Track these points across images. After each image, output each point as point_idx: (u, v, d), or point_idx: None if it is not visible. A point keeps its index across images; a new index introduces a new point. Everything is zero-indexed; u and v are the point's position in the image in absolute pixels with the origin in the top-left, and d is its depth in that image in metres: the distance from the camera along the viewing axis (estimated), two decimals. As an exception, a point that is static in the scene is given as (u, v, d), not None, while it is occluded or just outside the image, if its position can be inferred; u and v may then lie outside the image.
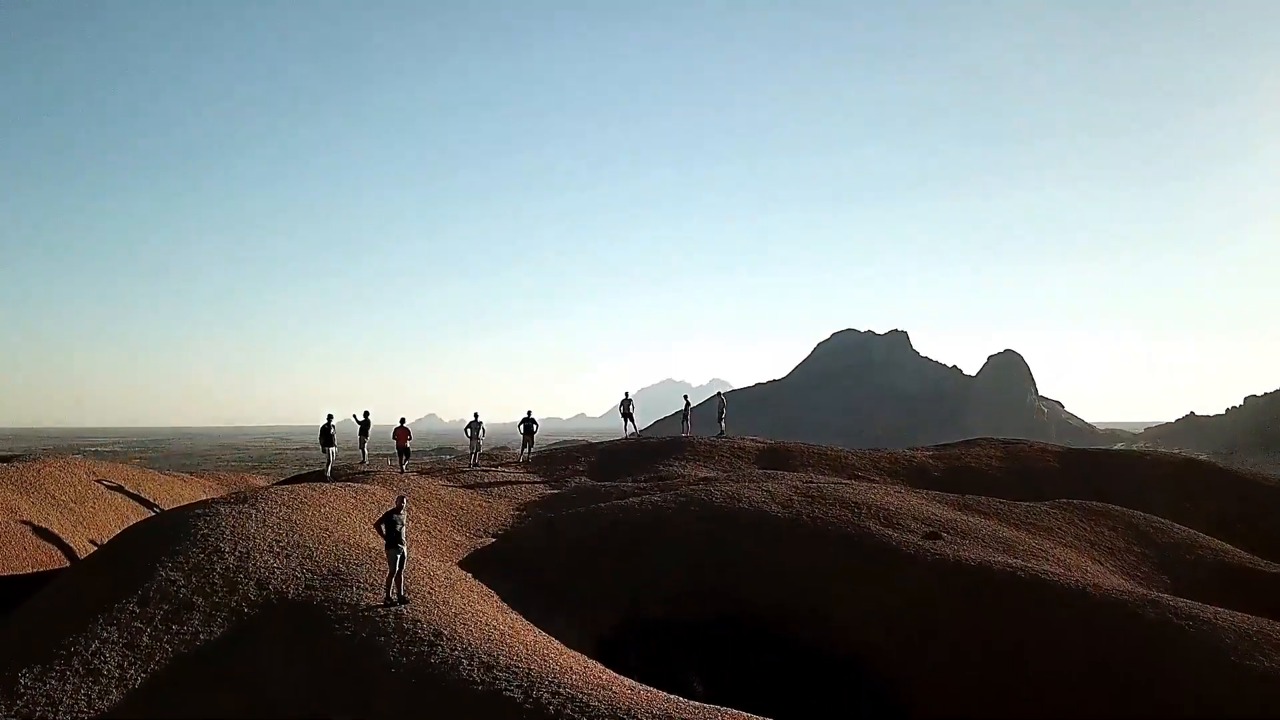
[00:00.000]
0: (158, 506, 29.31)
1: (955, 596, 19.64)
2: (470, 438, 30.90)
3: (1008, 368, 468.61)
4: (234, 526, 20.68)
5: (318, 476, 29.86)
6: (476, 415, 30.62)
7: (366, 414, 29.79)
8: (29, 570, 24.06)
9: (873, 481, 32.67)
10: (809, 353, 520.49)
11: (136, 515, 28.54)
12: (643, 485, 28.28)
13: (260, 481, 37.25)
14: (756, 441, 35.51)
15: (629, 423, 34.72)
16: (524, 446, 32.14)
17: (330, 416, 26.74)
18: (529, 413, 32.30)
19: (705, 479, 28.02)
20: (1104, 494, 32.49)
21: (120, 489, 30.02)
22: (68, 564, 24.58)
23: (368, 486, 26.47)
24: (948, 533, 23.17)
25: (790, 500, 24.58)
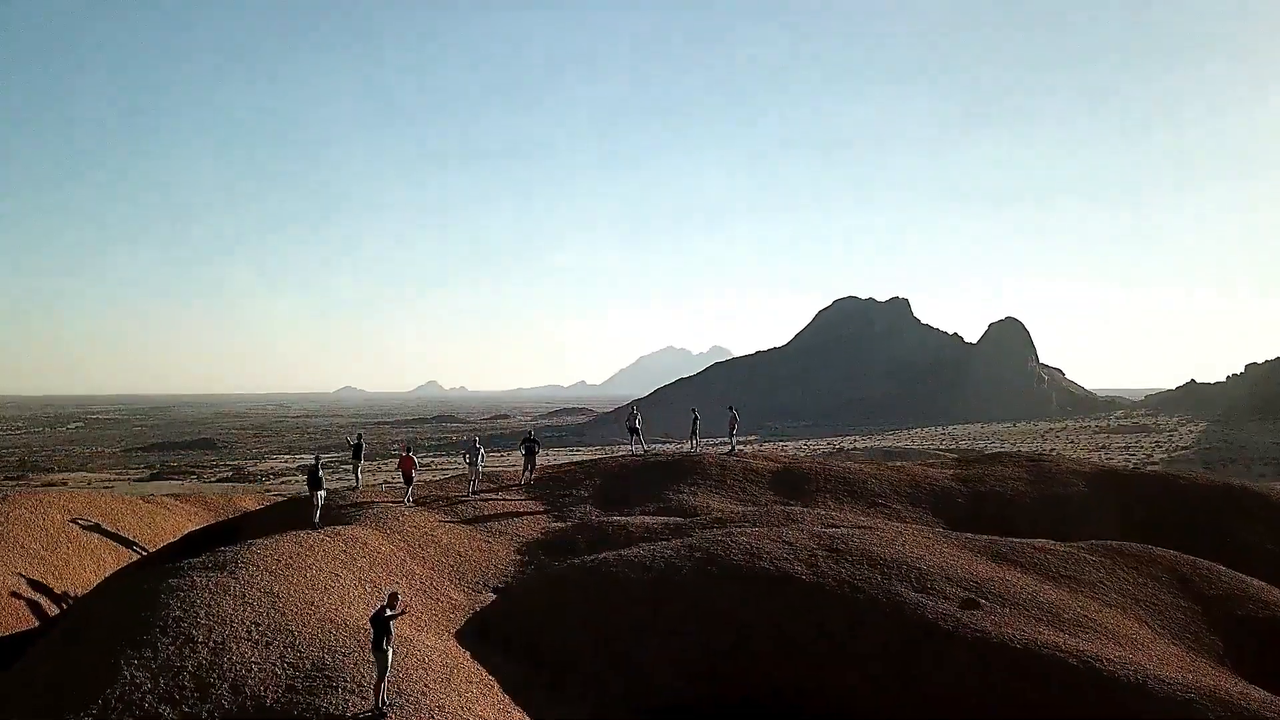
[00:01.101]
0: (139, 546, 27.59)
1: (998, 687, 17.92)
2: (469, 464, 29.02)
3: (1009, 335, 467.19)
4: (209, 606, 18.84)
5: (307, 506, 28.01)
6: (477, 440, 28.75)
7: (360, 436, 28.17)
8: (-6, 633, 22.33)
9: (893, 509, 30.81)
10: (810, 320, 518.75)
11: (115, 559, 26.79)
12: (652, 523, 26.39)
13: (250, 504, 35.40)
14: (769, 462, 33.66)
15: (635, 437, 32.89)
16: (526, 468, 30.37)
17: (317, 458, 24.83)
18: (530, 432, 30.60)
19: (720, 520, 26.13)
20: (1136, 520, 30.60)
21: (98, 528, 28.26)
22: (37, 624, 22.84)
23: (359, 532, 24.64)
24: (986, 598, 21.40)
25: (814, 556, 22.78)
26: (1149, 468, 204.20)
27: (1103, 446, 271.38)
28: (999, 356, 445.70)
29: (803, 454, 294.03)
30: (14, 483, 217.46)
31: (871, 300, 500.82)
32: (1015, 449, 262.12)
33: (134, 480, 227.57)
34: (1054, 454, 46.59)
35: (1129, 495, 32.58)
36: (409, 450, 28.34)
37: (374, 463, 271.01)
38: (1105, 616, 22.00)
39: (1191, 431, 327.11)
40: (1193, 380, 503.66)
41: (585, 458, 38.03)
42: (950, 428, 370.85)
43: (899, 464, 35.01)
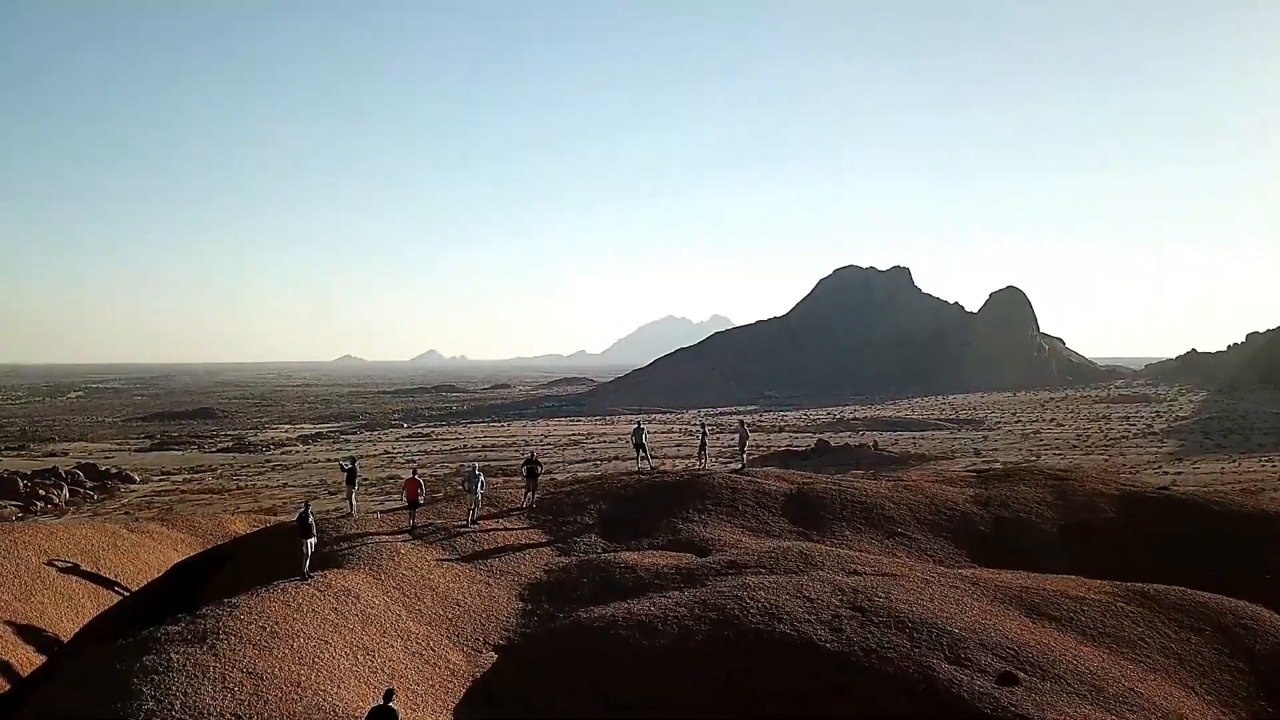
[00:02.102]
0: (120, 587, 26.10)
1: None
2: (466, 491, 27.39)
3: (1010, 304, 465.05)
4: (186, 694, 17.32)
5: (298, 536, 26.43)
6: (475, 467, 27.22)
7: (353, 460, 26.58)
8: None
9: (913, 540, 29.23)
10: (810, 289, 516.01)
11: (94, 603, 25.27)
12: (662, 564, 24.80)
13: (239, 526, 33.82)
14: (782, 483, 31.93)
15: (641, 453, 31.25)
16: (528, 490, 28.84)
17: (306, 504, 23.22)
18: (532, 453, 29.06)
19: (734, 563, 24.56)
20: (1168, 550, 29.07)
21: (76, 569, 26.75)
22: (8, 687, 21.39)
23: (351, 580, 23.05)
24: (1025, 668, 19.93)
25: (837, 616, 21.26)
26: (1150, 432, 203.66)
27: (1102, 416, 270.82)
28: (1000, 326, 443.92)
29: (802, 423, 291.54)
30: (16, 453, 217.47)
31: (872, 269, 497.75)
32: (1015, 420, 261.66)
33: (135, 450, 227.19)
34: (1077, 470, 44.63)
35: (1159, 522, 31.02)
36: (415, 472, 26.77)
37: (375, 433, 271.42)
38: (1151, 687, 20.55)
39: (1192, 401, 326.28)
40: (1193, 350, 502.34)
41: (589, 474, 35.75)
42: (950, 397, 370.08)
43: (915, 482, 33.28)
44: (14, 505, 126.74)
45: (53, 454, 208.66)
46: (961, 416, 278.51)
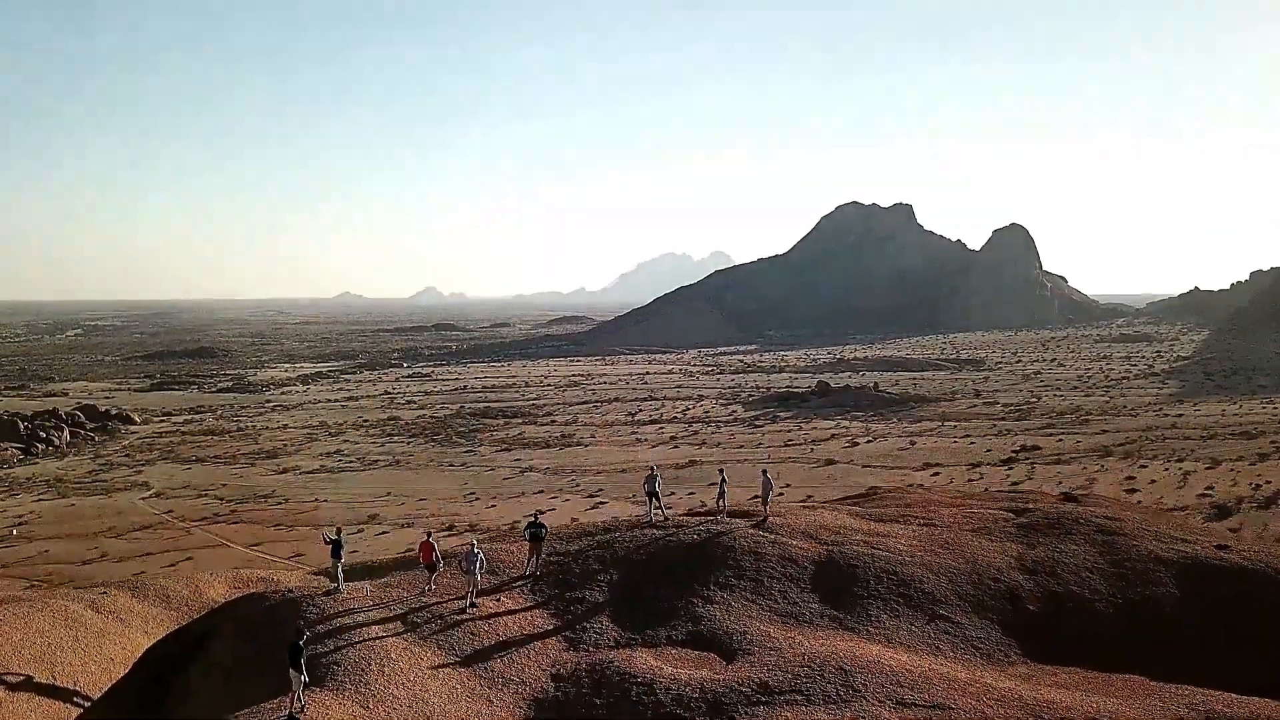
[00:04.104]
0: (80, 696, 23.02)
1: None
2: (465, 572, 24.19)
3: (1013, 242, 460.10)
4: None
5: (286, 607, 23.64)
6: (474, 545, 24.29)
7: (339, 531, 24.20)
8: None
9: (957, 625, 23.60)
10: (812, 226, 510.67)
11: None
12: (683, 684, 20.93)
13: (218, 593, 30.44)
14: (808, 543, 27.33)
15: (654, 502, 28.27)
16: (531, 556, 25.83)
17: (300, 632, 20.45)
18: (536, 515, 25.91)
19: (765, 687, 20.62)
20: (1242, 639, 23.90)
21: (29, 682, 23.24)
22: None
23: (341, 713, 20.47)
24: None
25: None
26: (1151, 373, 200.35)
27: (1104, 356, 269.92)
28: (1002, 264, 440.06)
29: (802, 363, 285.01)
30: (16, 393, 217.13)
31: (875, 206, 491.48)
32: (1016, 359, 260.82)
33: (134, 390, 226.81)
34: (1125, 515, 38.60)
35: (1224, 598, 24.83)
36: (429, 535, 24.50)
37: (375, 373, 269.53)
38: None
39: (1193, 340, 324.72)
40: (1196, 287, 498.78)
41: (600, 522, 31.32)
42: (952, 336, 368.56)
43: (949, 521, 29.09)
44: (15, 448, 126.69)
45: (52, 394, 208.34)
46: (962, 356, 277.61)
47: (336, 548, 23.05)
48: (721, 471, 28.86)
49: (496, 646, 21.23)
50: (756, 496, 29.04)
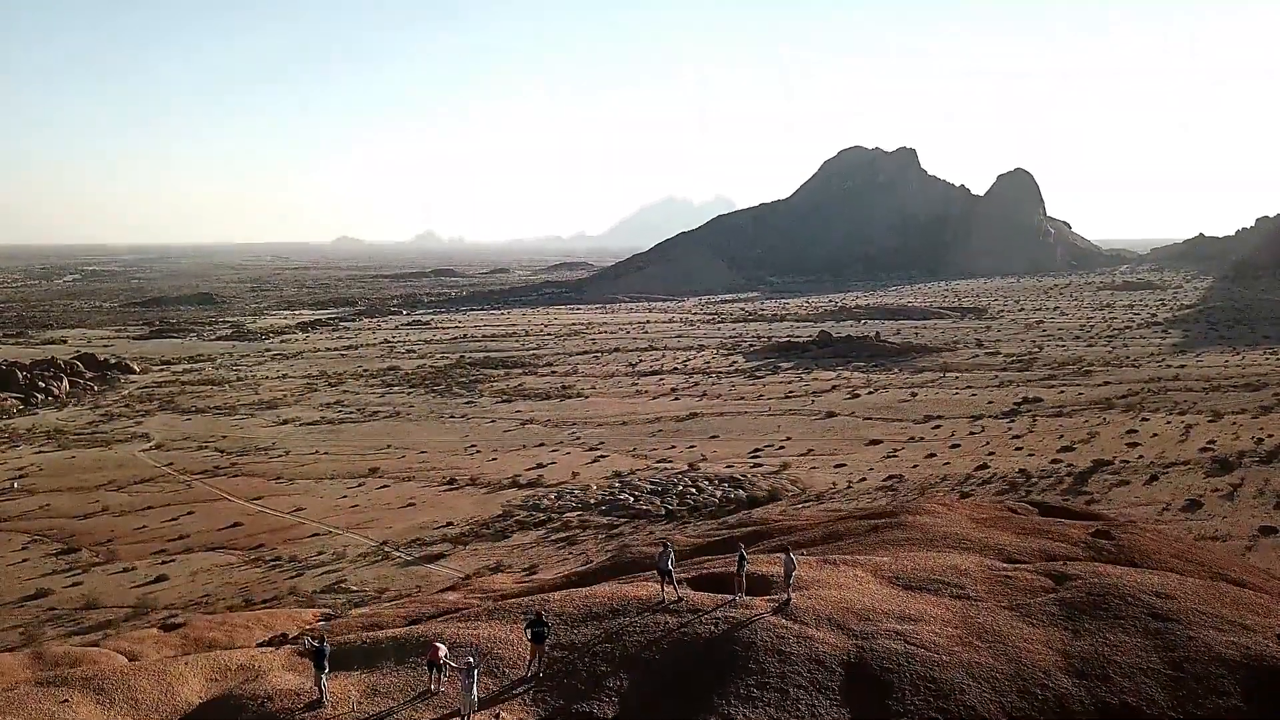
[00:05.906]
0: None
1: None
2: (464, 690, 21.95)
3: (1017, 187, 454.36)
4: None
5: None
6: (472, 658, 22.23)
7: (322, 639, 22.02)
8: None
9: None
10: (815, 171, 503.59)
11: None
12: None
13: (192, 692, 23.15)
14: (836, 635, 24.95)
15: (666, 580, 26.03)
16: (532, 658, 23.82)
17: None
18: (539, 614, 23.94)
19: None
20: None
21: None
22: None
23: None
24: None
25: None
26: (1154, 322, 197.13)
27: (1106, 305, 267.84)
28: (1006, 209, 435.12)
29: (804, 311, 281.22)
30: (14, 340, 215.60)
31: (878, 150, 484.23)
32: (1019, 308, 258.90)
33: (133, 338, 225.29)
34: (1178, 594, 31.28)
35: None
36: (438, 644, 22.67)
37: (374, 320, 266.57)
38: None
39: (1197, 288, 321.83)
40: (1201, 234, 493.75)
41: (606, 598, 27.31)
42: (954, 283, 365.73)
43: (988, 603, 26.18)
44: (14, 398, 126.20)
45: (50, 341, 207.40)
46: (964, 304, 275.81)
47: (319, 657, 20.75)
48: (741, 545, 26.74)
49: (496, 779, 18.79)
50: (777, 570, 26.44)
